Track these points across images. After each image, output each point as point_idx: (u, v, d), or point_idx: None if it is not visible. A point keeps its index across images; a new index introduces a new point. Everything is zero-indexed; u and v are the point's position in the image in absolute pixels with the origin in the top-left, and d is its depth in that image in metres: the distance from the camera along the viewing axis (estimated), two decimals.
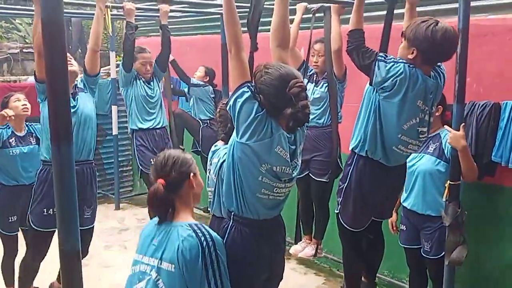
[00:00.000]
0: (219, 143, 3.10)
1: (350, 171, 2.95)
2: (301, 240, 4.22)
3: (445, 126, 3.19)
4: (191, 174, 2.12)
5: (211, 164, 3.06)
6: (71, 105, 3.28)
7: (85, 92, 3.51)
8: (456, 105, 3.06)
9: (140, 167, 4.83)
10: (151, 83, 4.84)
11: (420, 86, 2.66)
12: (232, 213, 2.31)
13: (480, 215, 3.54)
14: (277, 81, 2.11)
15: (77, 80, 3.49)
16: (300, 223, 4.22)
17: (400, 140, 2.77)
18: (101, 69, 4.48)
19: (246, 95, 2.12)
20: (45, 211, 3.39)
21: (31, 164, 3.65)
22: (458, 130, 3.03)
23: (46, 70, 1.60)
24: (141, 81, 4.76)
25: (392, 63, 2.66)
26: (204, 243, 1.99)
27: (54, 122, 1.59)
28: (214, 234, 2.07)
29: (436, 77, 2.78)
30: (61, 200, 1.69)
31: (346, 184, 2.97)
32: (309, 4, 3.78)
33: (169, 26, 4.82)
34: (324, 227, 4.10)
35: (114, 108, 6.45)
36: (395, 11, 3.13)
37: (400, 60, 2.67)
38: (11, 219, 3.66)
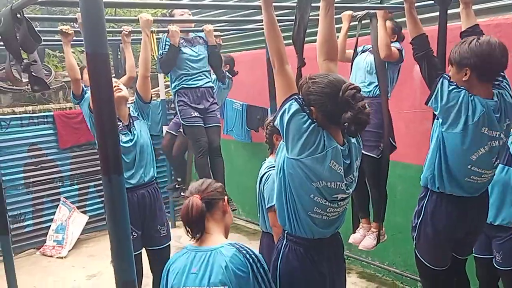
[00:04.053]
0: (269, 157, 3.08)
1: (424, 206, 2.76)
2: (359, 226, 3.96)
3: None
4: (226, 198, 2.16)
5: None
6: (129, 138, 3.36)
7: (139, 120, 3.52)
8: None
9: (182, 121, 4.66)
10: (196, 46, 4.68)
11: (481, 113, 2.48)
12: (286, 232, 2.25)
13: None
14: (328, 88, 2.02)
15: (130, 109, 3.50)
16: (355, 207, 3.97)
17: (471, 171, 2.58)
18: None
19: (294, 108, 2.04)
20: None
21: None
22: None
23: (93, 103, 1.61)
24: (182, 48, 4.59)
25: (454, 87, 2.52)
26: (250, 259, 1.96)
27: (103, 155, 1.59)
28: (255, 251, 2.04)
29: (500, 95, 2.57)
30: (114, 230, 1.68)
31: (420, 220, 2.78)
32: (354, 11, 3.69)
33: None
34: (383, 208, 3.81)
35: (165, 128, 6.54)
36: (449, 11, 2.99)
37: (462, 87, 2.52)
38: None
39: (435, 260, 2.81)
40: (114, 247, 1.70)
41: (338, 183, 2.09)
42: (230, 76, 5.48)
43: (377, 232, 3.79)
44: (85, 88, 4.15)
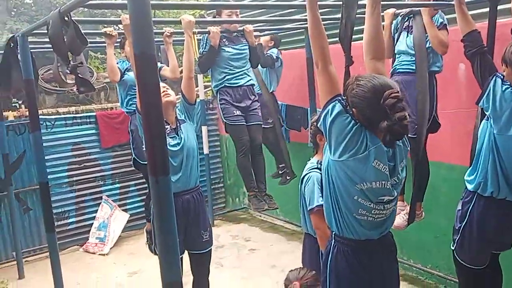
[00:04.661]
0: (313, 158, 3.05)
1: (470, 210, 2.72)
2: None
3: None
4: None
5: None
6: (176, 142, 3.34)
7: (186, 122, 3.50)
8: None
9: (224, 120, 4.63)
10: (239, 45, 4.61)
11: None
12: (333, 233, 2.23)
13: None
14: (370, 93, 1.99)
15: (176, 112, 3.48)
16: None
17: None
18: None
19: (337, 109, 2.03)
20: None
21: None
22: None
23: (142, 103, 1.62)
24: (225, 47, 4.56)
25: (508, 87, 2.44)
26: None
27: (150, 156, 1.60)
28: None
29: None
30: (161, 231, 1.69)
31: (464, 224, 2.75)
32: (397, 9, 3.61)
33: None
34: (422, 187, 3.67)
35: (204, 129, 6.60)
36: (499, 7, 2.90)
37: None
38: None
39: (477, 261, 2.81)
40: (161, 247, 1.71)
41: (383, 182, 2.05)
42: (279, 52, 5.42)
43: (410, 212, 3.64)
44: (123, 69, 4.23)
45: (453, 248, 2.88)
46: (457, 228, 2.82)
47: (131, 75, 4.18)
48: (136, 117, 4.06)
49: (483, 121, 2.64)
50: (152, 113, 1.58)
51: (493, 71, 2.55)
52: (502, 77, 2.48)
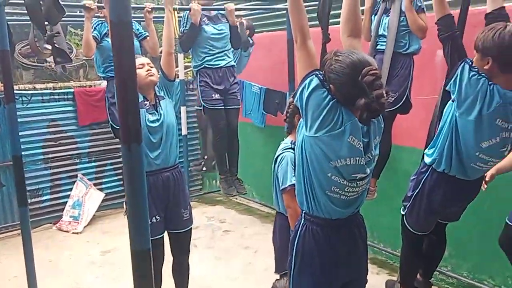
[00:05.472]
0: (287, 138, 3.09)
1: (423, 181, 2.89)
2: None
3: None
4: None
5: None
6: (156, 118, 3.29)
7: (165, 99, 3.44)
8: None
9: (203, 102, 4.69)
10: (219, 24, 4.68)
11: (497, 104, 2.48)
12: (303, 212, 2.24)
13: None
14: (349, 69, 1.98)
15: (156, 89, 3.41)
16: None
17: (478, 158, 2.64)
18: None
19: (314, 84, 2.02)
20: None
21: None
22: None
23: (116, 71, 1.62)
24: (205, 26, 4.62)
25: (475, 73, 2.52)
26: None
27: (124, 123, 1.61)
28: None
29: None
30: (132, 199, 1.70)
31: (416, 193, 2.93)
32: None
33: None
34: (380, 164, 3.74)
35: (183, 109, 6.56)
36: None
37: (483, 75, 2.51)
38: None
39: (421, 228, 3.02)
40: (131, 217, 1.72)
41: (358, 158, 2.06)
42: (252, 41, 5.47)
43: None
44: (101, 34, 4.21)
45: (403, 213, 3.07)
46: (409, 195, 3.00)
47: (110, 42, 4.12)
48: (113, 84, 4.07)
49: (449, 102, 2.73)
50: (127, 81, 1.58)
51: (463, 56, 2.62)
52: (470, 62, 2.55)
